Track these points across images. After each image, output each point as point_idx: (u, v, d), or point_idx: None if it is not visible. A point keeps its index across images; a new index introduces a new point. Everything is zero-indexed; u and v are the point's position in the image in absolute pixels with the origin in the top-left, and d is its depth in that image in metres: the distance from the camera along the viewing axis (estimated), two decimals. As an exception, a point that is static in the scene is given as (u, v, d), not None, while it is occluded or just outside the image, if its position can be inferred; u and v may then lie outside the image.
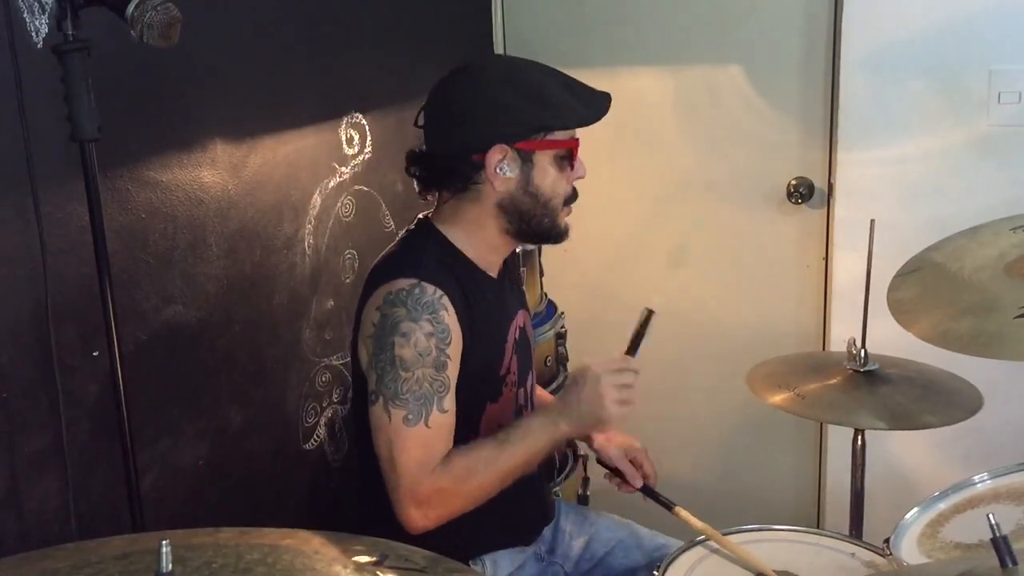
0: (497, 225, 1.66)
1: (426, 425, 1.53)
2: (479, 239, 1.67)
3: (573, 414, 1.58)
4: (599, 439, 1.87)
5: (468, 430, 1.64)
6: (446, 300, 1.56)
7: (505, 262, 1.78)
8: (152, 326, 1.72)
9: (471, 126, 1.62)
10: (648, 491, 1.82)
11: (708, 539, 1.68)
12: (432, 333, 1.54)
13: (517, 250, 2.31)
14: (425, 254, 1.63)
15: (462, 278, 1.63)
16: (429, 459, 1.53)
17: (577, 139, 1.67)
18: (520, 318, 1.77)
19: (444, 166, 1.65)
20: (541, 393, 2.00)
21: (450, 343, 1.56)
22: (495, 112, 1.61)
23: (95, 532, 1.59)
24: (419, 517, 1.53)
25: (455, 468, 1.55)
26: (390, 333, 1.54)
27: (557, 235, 1.71)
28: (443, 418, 1.55)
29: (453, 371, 1.57)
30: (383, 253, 1.73)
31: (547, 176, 1.64)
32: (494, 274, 1.73)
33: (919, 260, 1.77)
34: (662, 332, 2.93)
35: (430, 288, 1.56)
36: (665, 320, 2.92)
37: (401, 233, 1.76)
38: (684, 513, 1.71)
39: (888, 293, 1.72)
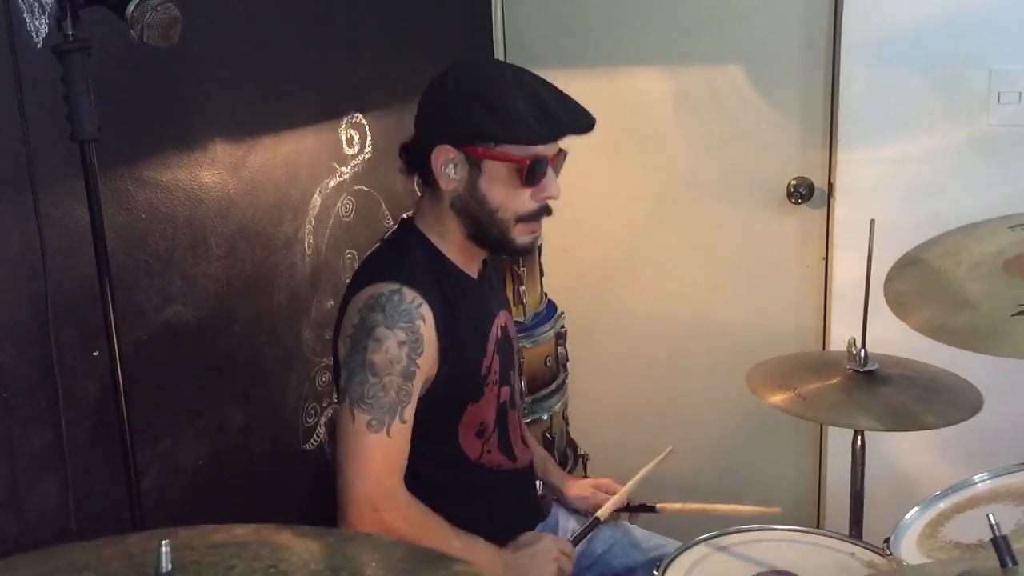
0: (457, 227, 1.66)
1: (387, 434, 1.54)
2: (450, 240, 1.68)
3: (518, 568, 1.65)
4: (572, 493, 1.97)
5: (449, 428, 1.66)
6: (424, 308, 1.57)
7: (485, 263, 1.78)
8: (152, 326, 1.72)
9: (426, 124, 1.65)
10: (628, 508, 1.94)
11: (706, 540, 1.68)
12: (405, 342, 1.55)
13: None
14: (407, 255, 1.64)
15: (443, 280, 1.64)
16: (388, 467, 1.55)
17: (541, 158, 1.60)
18: (502, 318, 1.78)
19: (411, 158, 1.68)
20: (552, 468, 2.06)
21: (421, 353, 1.57)
22: (444, 113, 1.62)
23: (95, 532, 1.59)
24: (367, 521, 1.53)
25: (416, 515, 1.58)
26: (365, 336, 1.55)
27: (512, 249, 1.69)
28: (403, 428, 1.56)
29: (419, 381, 1.58)
30: (368, 253, 1.74)
31: (497, 186, 1.60)
32: (474, 275, 1.73)
33: (917, 253, 1.77)
34: (662, 332, 2.95)
35: (409, 295, 1.56)
36: (665, 320, 2.94)
37: (386, 234, 1.76)
38: (669, 506, 1.76)
39: (885, 284, 1.71)
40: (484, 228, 1.64)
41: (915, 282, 1.69)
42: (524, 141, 1.58)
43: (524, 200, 1.62)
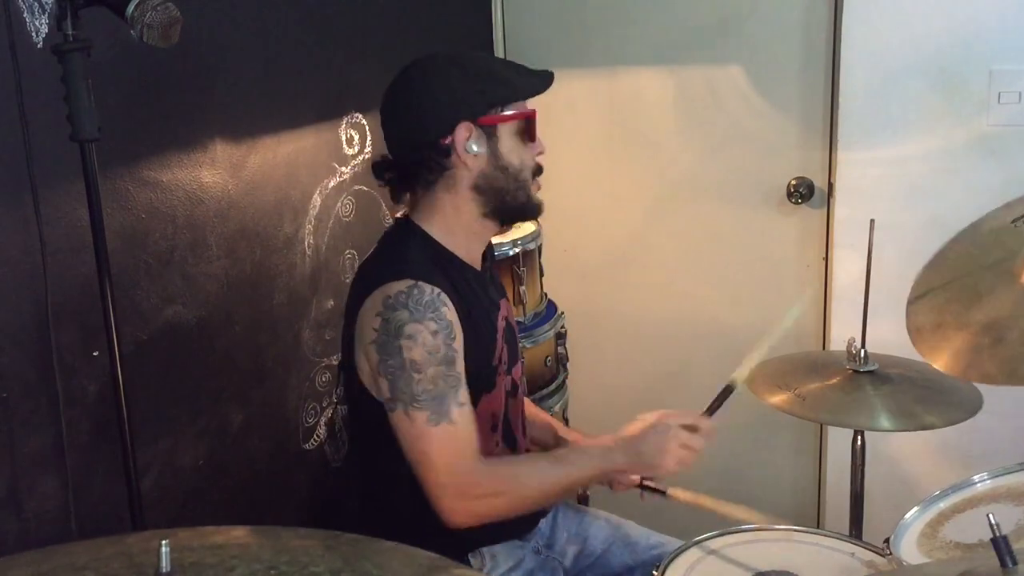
0: (474, 209, 1.67)
1: (450, 422, 1.54)
2: (459, 229, 1.68)
3: (633, 453, 1.65)
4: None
5: None
6: (444, 296, 1.57)
7: (485, 256, 1.78)
8: (152, 326, 1.72)
9: (432, 112, 1.64)
10: (641, 486, 1.86)
11: (706, 539, 1.68)
12: (438, 331, 1.55)
13: (513, 252, 2.33)
14: (411, 252, 1.64)
15: (450, 273, 1.64)
16: (461, 452, 1.56)
17: (534, 110, 1.69)
18: (504, 308, 1.78)
19: (413, 161, 1.66)
20: (548, 418, 2.00)
21: (455, 338, 1.57)
22: (452, 92, 1.63)
23: (95, 532, 1.59)
24: (457, 512, 1.55)
25: (502, 471, 1.60)
26: (396, 337, 1.54)
27: (532, 209, 1.74)
28: (463, 411, 1.57)
29: (461, 365, 1.58)
30: (368, 255, 1.74)
31: (513, 149, 1.67)
32: (478, 266, 1.74)
33: (926, 280, 1.72)
34: (662, 332, 2.94)
35: (428, 288, 1.56)
36: (665, 320, 2.94)
37: (382, 235, 1.76)
38: (680, 493, 1.76)
39: (907, 320, 1.68)
40: (511, 195, 1.68)
41: (934, 316, 1.63)
42: (525, 95, 1.67)
43: (531, 156, 1.70)
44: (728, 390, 1.77)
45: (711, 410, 1.74)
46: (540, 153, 1.72)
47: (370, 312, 1.58)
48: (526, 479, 1.60)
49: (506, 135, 1.65)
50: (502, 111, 1.64)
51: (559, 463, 1.63)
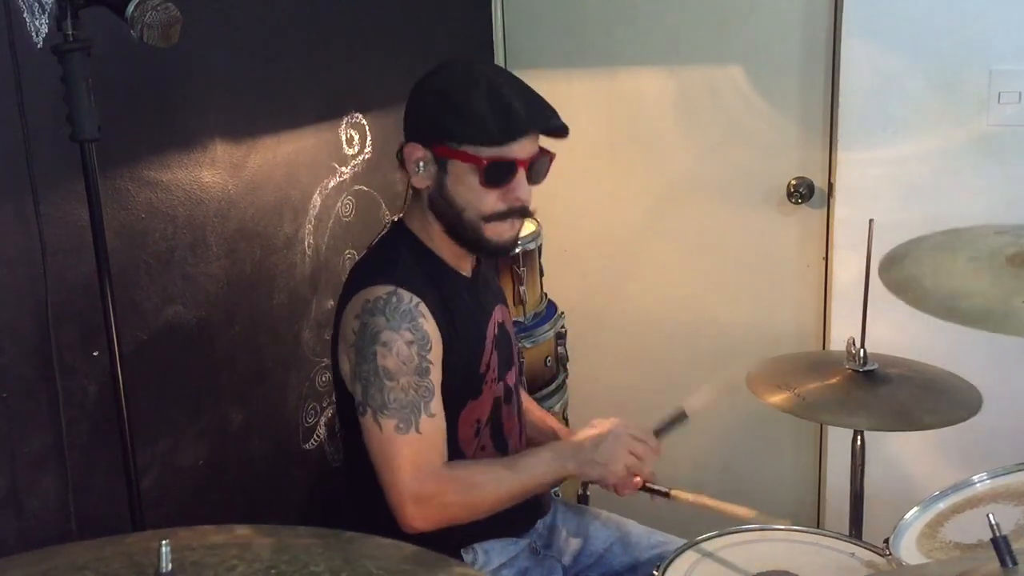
0: (439, 226, 1.67)
1: (417, 431, 1.56)
2: (439, 239, 1.68)
3: (585, 459, 1.65)
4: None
5: (448, 426, 1.65)
6: (423, 307, 1.58)
7: (479, 259, 1.78)
8: (152, 326, 1.72)
9: (409, 116, 1.66)
10: (645, 488, 1.83)
11: (706, 540, 1.68)
12: (412, 341, 1.56)
13: (513, 252, 2.33)
14: (399, 257, 1.64)
15: (437, 280, 1.65)
16: (425, 463, 1.57)
17: (503, 159, 1.58)
18: (498, 314, 1.78)
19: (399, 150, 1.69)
20: (555, 424, 2.00)
21: (431, 349, 1.58)
22: (413, 111, 1.65)
23: (95, 532, 1.59)
24: (417, 518, 1.55)
25: (461, 477, 1.60)
26: (371, 343, 1.55)
27: (487, 249, 1.67)
28: (432, 422, 1.58)
29: (436, 376, 1.59)
30: (360, 257, 1.74)
31: (462, 186, 1.60)
32: (467, 273, 1.74)
33: (904, 249, 1.72)
34: (662, 332, 2.94)
35: (407, 296, 1.57)
36: (665, 320, 2.94)
37: (376, 237, 1.76)
38: (681, 495, 1.74)
39: (880, 274, 1.67)
40: (456, 229, 1.65)
41: (913, 270, 1.64)
42: (479, 141, 1.57)
43: (491, 201, 1.61)
44: (680, 418, 1.78)
45: (660, 432, 1.76)
46: (515, 200, 1.61)
47: (350, 314, 1.60)
48: (484, 486, 1.60)
49: (457, 171, 1.59)
50: (457, 147, 1.57)
51: (515, 470, 1.63)
